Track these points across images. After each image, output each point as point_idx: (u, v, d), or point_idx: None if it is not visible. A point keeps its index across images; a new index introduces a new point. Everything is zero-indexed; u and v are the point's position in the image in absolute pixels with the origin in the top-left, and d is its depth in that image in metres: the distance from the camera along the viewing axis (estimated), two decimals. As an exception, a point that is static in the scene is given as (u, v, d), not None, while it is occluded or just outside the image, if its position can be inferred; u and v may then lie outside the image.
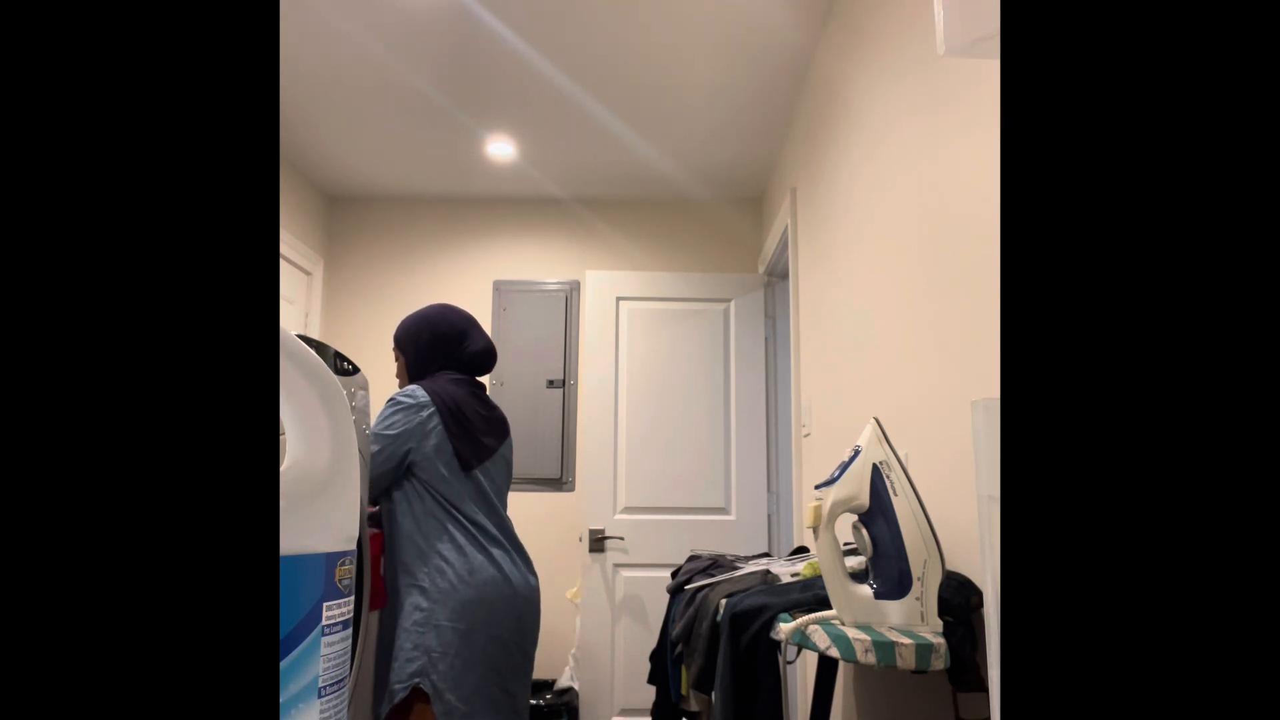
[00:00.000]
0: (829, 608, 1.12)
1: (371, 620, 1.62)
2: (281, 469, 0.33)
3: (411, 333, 1.85)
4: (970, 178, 1.28)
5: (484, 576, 1.67)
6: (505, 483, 1.84)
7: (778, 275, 3.43)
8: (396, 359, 1.89)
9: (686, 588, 1.74)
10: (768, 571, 1.60)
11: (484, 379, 3.65)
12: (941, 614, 1.09)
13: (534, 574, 1.78)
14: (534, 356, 3.64)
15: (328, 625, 0.34)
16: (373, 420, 1.87)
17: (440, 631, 1.61)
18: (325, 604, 0.34)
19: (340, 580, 0.36)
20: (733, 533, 3.28)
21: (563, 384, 3.64)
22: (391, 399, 1.73)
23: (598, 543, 3.27)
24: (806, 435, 2.66)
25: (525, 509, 3.56)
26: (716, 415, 3.38)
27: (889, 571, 1.07)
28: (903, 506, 1.06)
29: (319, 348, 1.50)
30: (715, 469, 3.34)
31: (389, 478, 1.70)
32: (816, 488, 1.14)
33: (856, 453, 1.11)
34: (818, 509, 1.11)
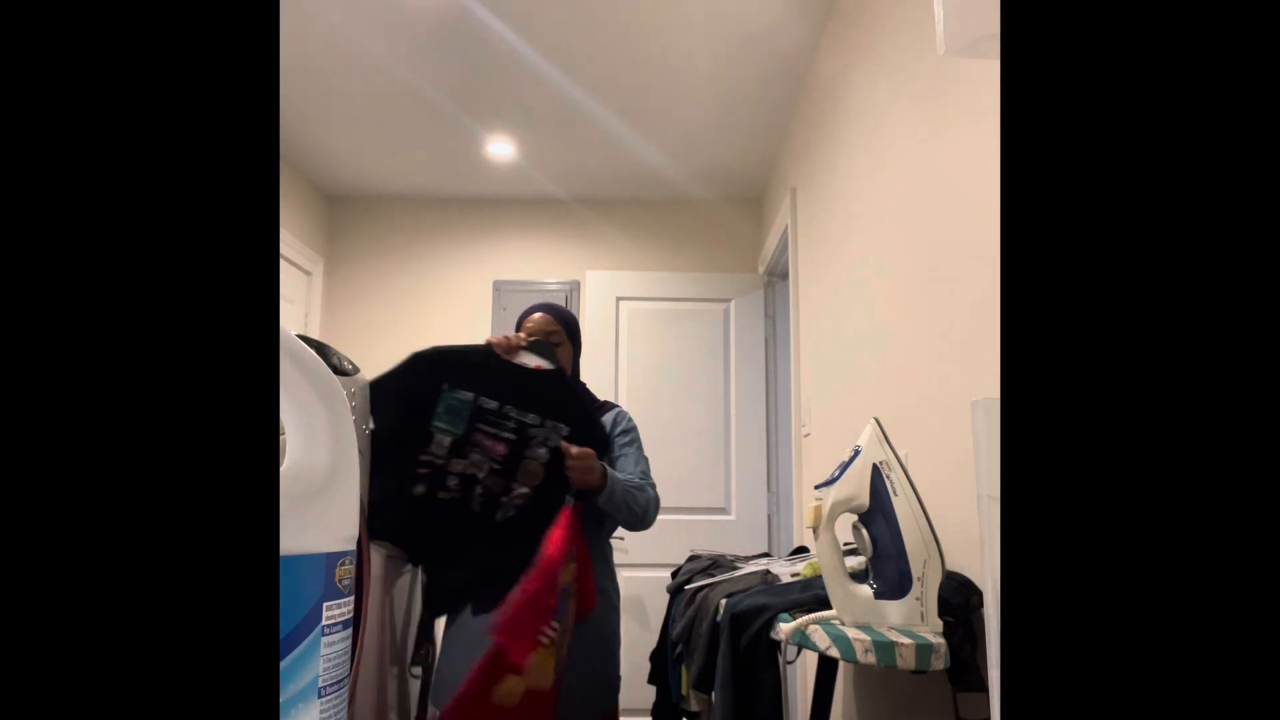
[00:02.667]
0: (829, 608, 1.12)
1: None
2: (281, 469, 0.33)
3: (577, 328, 1.85)
4: (970, 177, 1.28)
5: None
6: None
7: (778, 275, 3.43)
8: (560, 345, 1.79)
9: (686, 588, 1.74)
10: (768, 571, 1.60)
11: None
12: (941, 614, 1.09)
13: None
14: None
15: (328, 625, 0.34)
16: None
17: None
18: (325, 604, 0.34)
19: (340, 580, 0.36)
20: (733, 533, 3.28)
21: (563, 384, 3.63)
22: (630, 420, 1.80)
23: (598, 543, 3.27)
24: (806, 435, 2.66)
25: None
26: (716, 415, 3.38)
27: (889, 571, 1.07)
28: (903, 506, 1.06)
29: (319, 348, 1.50)
30: (715, 469, 3.34)
31: None
32: (816, 488, 1.14)
33: (856, 453, 1.11)
34: (818, 509, 1.11)
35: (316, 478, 0.35)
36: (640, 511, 1.62)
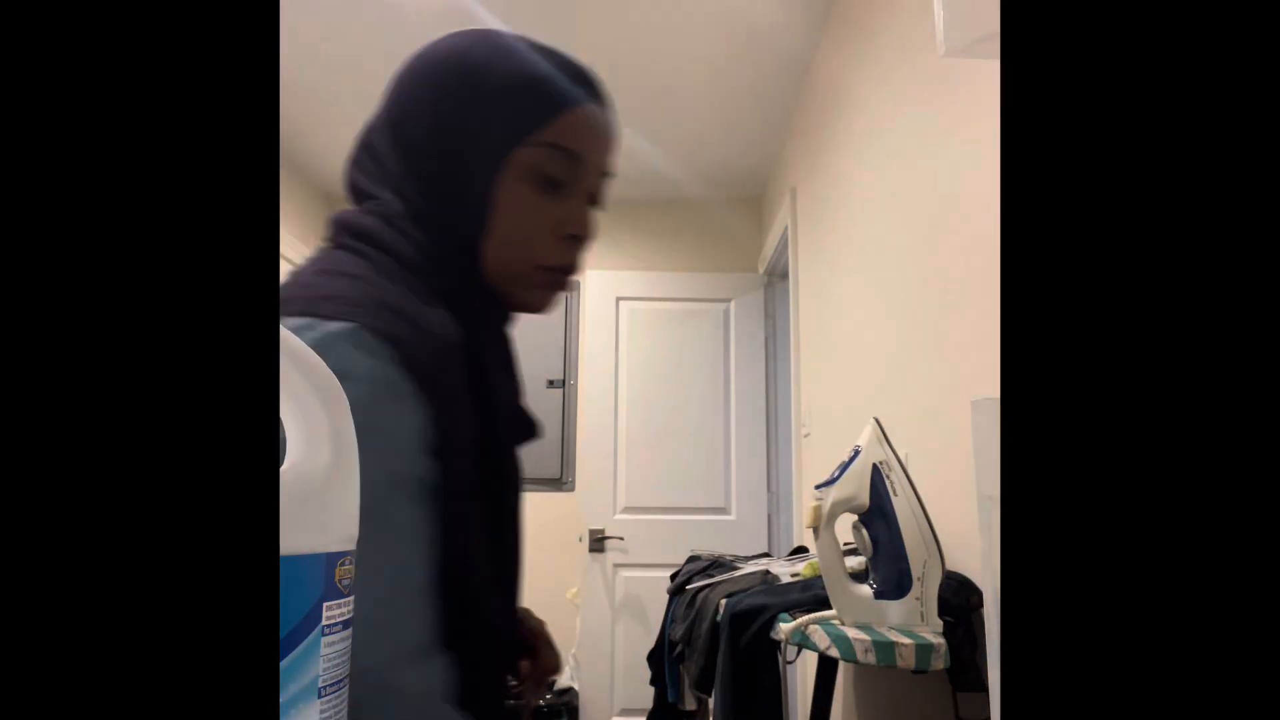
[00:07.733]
0: (829, 608, 1.12)
1: None
2: (281, 469, 0.33)
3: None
4: (970, 177, 1.28)
5: None
6: None
7: (778, 275, 3.43)
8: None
9: (687, 588, 1.74)
10: (768, 572, 1.59)
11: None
12: (941, 614, 1.09)
13: None
14: (534, 356, 3.63)
15: (328, 625, 0.34)
16: None
17: None
18: (325, 604, 0.34)
19: (340, 580, 0.36)
20: (733, 533, 3.28)
21: (563, 384, 3.64)
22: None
23: (598, 543, 3.27)
24: (806, 435, 2.66)
25: (526, 509, 3.55)
26: (716, 415, 3.38)
27: (889, 571, 1.07)
28: (903, 506, 1.06)
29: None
30: (715, 469, 3.34)
31: None
32: (816, 488, 1.14)
33: (856, 453, 1.11)
34: (818, 509, 1.11)
35: (316, 478, 0.35)
36: None
